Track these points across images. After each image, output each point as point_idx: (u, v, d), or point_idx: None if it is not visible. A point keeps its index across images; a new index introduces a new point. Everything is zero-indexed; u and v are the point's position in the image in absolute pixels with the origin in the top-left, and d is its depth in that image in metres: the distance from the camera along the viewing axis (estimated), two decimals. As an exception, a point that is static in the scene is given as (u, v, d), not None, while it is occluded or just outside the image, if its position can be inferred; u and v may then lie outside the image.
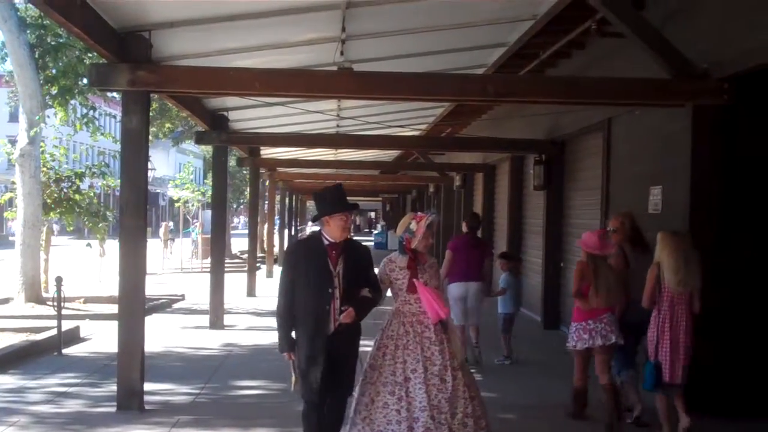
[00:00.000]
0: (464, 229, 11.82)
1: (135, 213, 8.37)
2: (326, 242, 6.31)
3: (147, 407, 8.42)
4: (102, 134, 17.36)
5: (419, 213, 6.81)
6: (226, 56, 9.89)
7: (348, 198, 6.46)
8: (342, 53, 9.81)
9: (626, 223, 8.38)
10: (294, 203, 42.09)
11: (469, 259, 11.03)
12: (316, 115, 14.38)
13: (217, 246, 14.95)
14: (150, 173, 29.81)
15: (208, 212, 43.51)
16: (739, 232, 8.52)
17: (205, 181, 37.47)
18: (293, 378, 6.32)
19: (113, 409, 8.33)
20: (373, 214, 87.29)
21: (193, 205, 33.16)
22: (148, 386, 8.78)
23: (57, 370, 10.44)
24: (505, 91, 8.61)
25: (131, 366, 8.33)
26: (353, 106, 14.92)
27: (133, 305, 8.43)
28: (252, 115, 15.12)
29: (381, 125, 15.36)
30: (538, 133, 15.01)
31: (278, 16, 8.72)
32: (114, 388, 8.95)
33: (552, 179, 14.60)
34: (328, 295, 6.18)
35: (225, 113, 14.39)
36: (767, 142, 8.54)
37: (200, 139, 14.96)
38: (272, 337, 13.12)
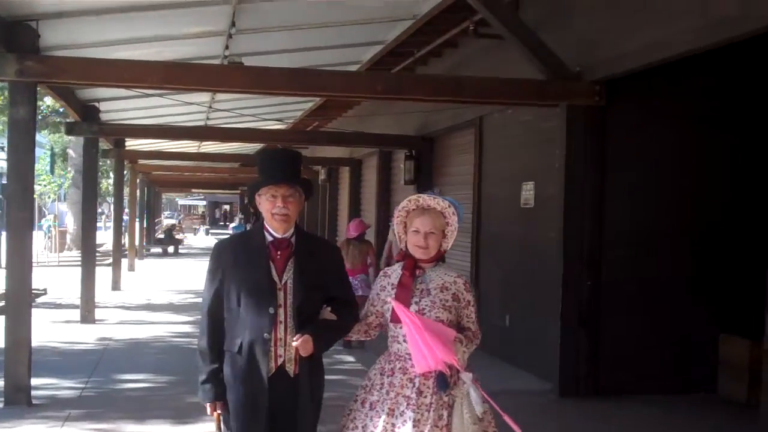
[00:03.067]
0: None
1: (22, 205, 8.24)
2: (269, 238, 4.26)
3: (34, 402, 8.31)
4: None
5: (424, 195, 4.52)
6: (111, 47, 9.83)
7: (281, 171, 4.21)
8: (227, 47, 9.91)
9: None
10: (151, 196, 41.36)
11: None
12: (184, 107, 14.33)
13: (88, 239, 14.70)
14: (3, 164, 28.91)
15: (63, 205, 42.55)
16: (609, 223, 9.08)
17: (62, 172, 36.39)
18: None
19: (0, 405, 8.19)
20: (227, 207, 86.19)
21: (49, 197, 32.21)
22: (32, 381, 8.67)
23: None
24: (393, 89, 8.91)
25: (18, 360, 8.19)
26: (226, 99, 14.95)
27: (20, 299, 8.29)
28: (122, 106, 14.96)
29: (255, 118, 15.45)
30: (407, 129, 15.40)
31: (167, 9, 8.76)
32: (-3, 383, 8.84)
33: (422, 174, 15.04)
34: (268, 318, 4.13)
35: (96, 104, 14.17)
36: (635, 141, 9.12)
37: (71, 130, 14.68)
38: (147, 331, 13.20)
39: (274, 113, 17.62)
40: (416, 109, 13.48)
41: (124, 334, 12.84)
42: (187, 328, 13.49)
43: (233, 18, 9.00)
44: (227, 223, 72.33)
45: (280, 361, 4.17)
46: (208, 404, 4.30)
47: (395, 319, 4.28)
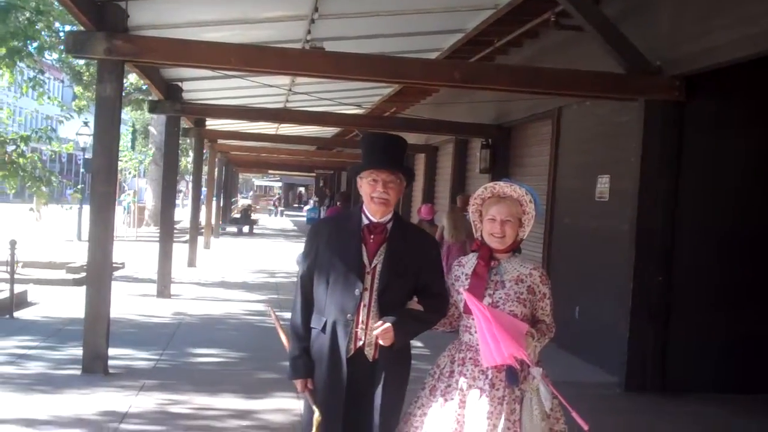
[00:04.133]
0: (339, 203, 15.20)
1: (106, 180, 8.50)
2: (365, 221, 4.27)
3: (110, 371, 8.59)
4: (49, 98, 17.22)
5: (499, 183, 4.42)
6: (195, 28, 10.05)
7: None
8: (309, 31, 10.05)
9: None
10: (229, 176, 41.98)
11: None
12: (264, 89, 14.53)
13: (167, 215, 15.05)
14: (88, 139, 29.66)
15: (142, 181, 43.43)
16: (683, 220, 9.00)
17: (143, 149, 37.16)
18: (316, 416, 4.18)
19: (78, 372, 8.45)
20: (303, 189, 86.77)
21: (130, 173, 32.93)
22: (108, 351, 8.95)
23: (12, 333, 10.50)
24: (471, 77, 8.96)
25: (97, 330, 8.47)
26: (306, 82, 15.12)
27: (101, 271, 8.58)
28: (204, 86, 15.25)
29: (332, 102, 15.60)
30: (484, 118, 15.40)
31: (253, -8, 8.95)
32: (74, 351, 9.17)
33: (497, 164, 15.03)
34: (353, 299, 4.15)
35: (179, 83, 14.47)
36: (712, 138, 9.02)
37: (154, 108, 15.03)
38: (221, 308, 13.48)
39: (352, 98, 17.75)
40: (494, 98, 13.48)
41: (199, 310, 13.12)
42: (260, 307, 13.72)
43: (316, 3, 9.11)
44: (301, 205, 72.96)
45: (359, 343, 4.18)
46: (299, 381, 4.30)
47: (467, 310, 4.21)
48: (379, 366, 4.20)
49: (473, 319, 4.14)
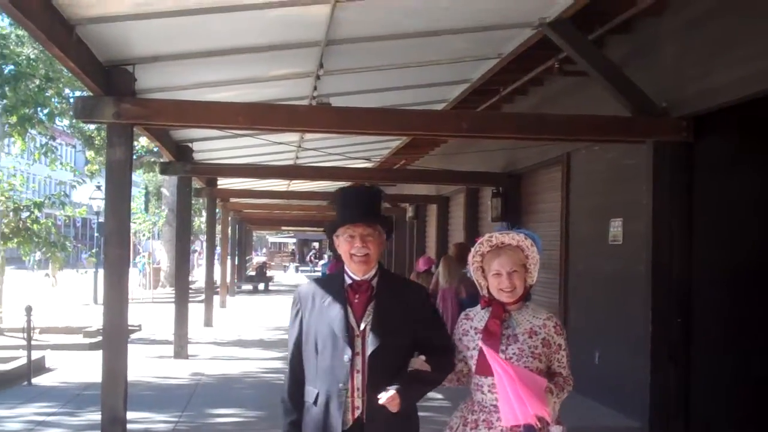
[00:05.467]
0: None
1: (119, 243, 8.52)
2: (347, 281, 4.03)
3: (129, 435, 8.56)
4: (61, 164, 17.40)
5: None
6: (202, 89, 10.14)
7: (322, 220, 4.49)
8: (315, 87, 10.13)
9: None
10: (242, 233, 42.10)
11: None
12: (274, 146, 14.63)
13: (181, 275, 15.08)
14: (101, 203, 29.80)
15: (157, 242, 43.59)
16: (698, 260, 8.95)
17: (156, 210, 37.43)
18: None
19: (96, 437, 8.44)
20: (317, 245, 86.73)
21: (144, 236, 33.06)
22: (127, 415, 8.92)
23: (30, 399, 10.50)
24: (478, 127, 8.99)
25: (115, 394, 8.41)
26: (314, 138, 15.21)
27: (117, 333, 8.55)
28: (214, 146, 15.36)
29: (342, 156, 15.68)
30: (493, 167, 15.43)
31: (257, 52, 9.02)
32: (92, 417, 9.15)
33: (509, 211, 15.03)
34: (344, 366, 3.88)
35: (189, 144, 14.58)
36: (723, 178, 9.00)
37: (165, 169, 15.15)
38: (238, 366, 13.44)
39: (361, 152, 17.85)
40: (502, 146, 13.52)
41: (216, 370, 13.09)
42: (278, 364, 13.66)
43: (321, 59, 9.20)
44: (317, 261, 72.95)
45: (357, 413, 3.88)
46: None
47: (481, 369, 3.97)
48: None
49: (486, 377, 3.95)
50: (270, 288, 36.80)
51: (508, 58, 10.59)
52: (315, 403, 3.93)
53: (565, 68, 10.81)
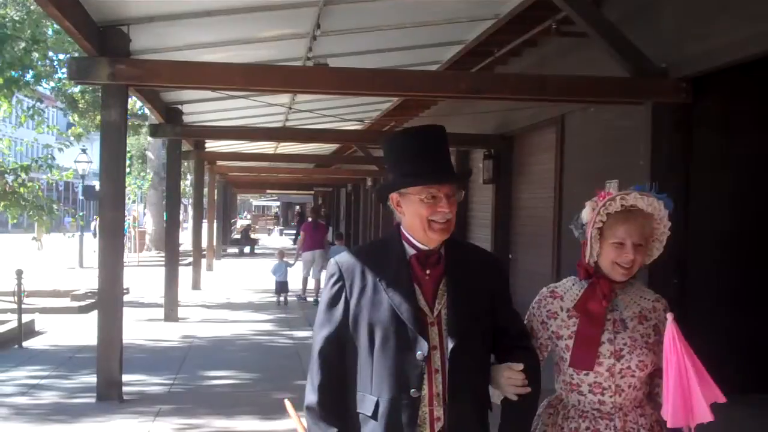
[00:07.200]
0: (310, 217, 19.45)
1: (114, 205, 8.43)
2: (410, 251, 3.02)
3: (125, 397, 8.50)
4: (48, 127, 17.18)
5: (606, 190, 3.30)
6: (196, 50, 10.01)
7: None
8: (311, 48, 10.01)
9: None
10: (228, 197, 41.96)
11: (314, 236, 17.97)
12: (264, 108, 14.49)
13: (171, 238, 15.00)
14: (87, 166, 29.61)
15: (139, 206, 43.40)
16: (695, 223, 8.94)
17: (142, 174, 37.22)
18: None
19: (92, 400, 8.36)
20: (298, 208, 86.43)
21: (130, 199, 32.86)
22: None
23: (22, 363, 10.44)
24: (477, 88, 8.89)
25: (111, 356, 8.39)
26: (306, 100, 15.09)
27: (113, 296, 8.48)
28: (203, 108, 15.21)
29: (333, 118, 15.57)
30: (485, 129, 15.33)
31: (252, 12, 8.90)
32: (86, 379, 9.12)
33: (501, 173, 14.98)
34: (416, 366, 2.89)
35: (179, 106, 14.44)
36: (721, 139, 8.97)
37: (155, 132, 15.00)
38: (229, 329, 13.42)
39: (352, 113, 17.74)
40: (495, 108, 13.42)
41: (207, 332, 13.07)
42: (268, 326, 13.72)
43: (318, 20, 9.08)
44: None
45: (438, 426, 2.93)
46: None
47: (581, 362, 3.12)
48: None
49: (587, 373, 3.12)
50: (255, 251, 36.73)
51: (505, 19, 10.49)
52: (374, 415, 2.92)
53: (563, 29, 10.71)
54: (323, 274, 5.41)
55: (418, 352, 2.88)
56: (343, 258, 3.10)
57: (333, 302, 3.01)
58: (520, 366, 2.92)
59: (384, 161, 3.20)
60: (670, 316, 3.01)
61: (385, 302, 2.92)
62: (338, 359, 2.99)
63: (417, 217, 2.94)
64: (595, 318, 3.12)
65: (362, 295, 2.96)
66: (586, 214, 3.28)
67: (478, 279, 3.03)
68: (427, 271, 2.98)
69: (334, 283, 3.02)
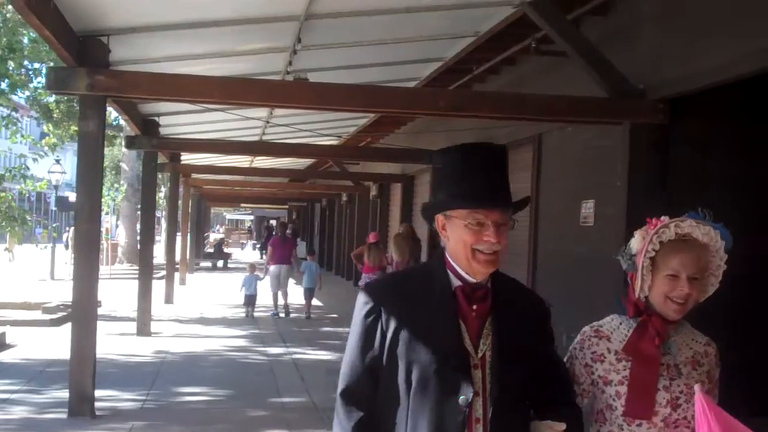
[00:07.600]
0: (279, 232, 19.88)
1: (90, 217, 8.35)
2: (456, 282, 2.72)
3: (97, 413, 8.39)
4: (22, 136, 17.04)
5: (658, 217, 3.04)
6: (176, 62, 9.96)
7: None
8: (290, 62, 9.99)
9: None
10: (201, 210, 41.76)
11: (282, 251, 18.13)
12: (241, 122, 14.44)
13: (145, 252, 14.88)
14: (60, 176, 29.38)
15: (111, 218, 43.06)
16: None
17: (115, 185, 36.98)
18: None
19: (64, 416, 8.24)
20: (266, 222, 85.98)
21: (103, 211, 32.58)
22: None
23: (-8, 376, 10.30)
24: (456, 105, 8.90)
25: (83, 371, 8.28)
26: (283, 114, 15.04)
27: (87, 309, 8.40)
28: (180, 120, 15.13)
29: (310, 133, 15.54)
30: (462, 146, 15.34)
31: (233, 25, 8.86)
32: (58, 394, 9.01)
33: (477, 190, 14.97)
34: (457, 413, 2.60)
35: (156, 118, 14.35)
36: (698, 161, 9.01)
37: (131, 144, 14.90)
38: (202, 344, 13.30)
39: (329, 129, 17.71)
40: (471, 126, 13.45)
41: (180, 347, 12.95)
42: (242, 342, 13.60)
43: (299, 34, 9.05)
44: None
45: None
46: None
47: (635, 411, 2.83)
48: None
49: (639, 424, 2.85)
50: (229, 266, 36.56)
51: (485, 37, 10.52)
52: None
53: (542, 48, 10.74)
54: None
55: (461, 397, 2.59)
56: (378, 285, 2.85)
57: (367, 336, 2.70)
58: (563, 426, 2.68)
59: (436, 176, 2.80)
60: (697, 387, 2.74)
61: (426, 338, 2.62)
62: (371, 400, 2.71)
63: (461, 243, 2.67)
64: (650, 361, 2.84)
65: (400, 328, 2.65)
66: (635, 243, 3.04)
67: (524, 321, 2.76)
68: (474, 307, 2.69)
69: (368, 314, 2.70)
